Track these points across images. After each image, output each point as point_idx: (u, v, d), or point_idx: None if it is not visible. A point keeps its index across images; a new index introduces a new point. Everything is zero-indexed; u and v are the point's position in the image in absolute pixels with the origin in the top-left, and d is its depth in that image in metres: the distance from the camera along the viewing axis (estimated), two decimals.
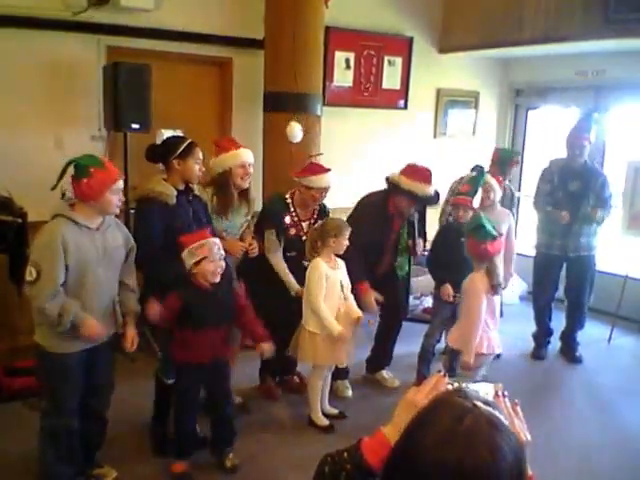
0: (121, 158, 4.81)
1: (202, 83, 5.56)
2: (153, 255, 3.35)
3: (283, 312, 4.03)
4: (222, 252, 3.29)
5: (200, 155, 3.60)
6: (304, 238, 4.13)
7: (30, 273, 2.83)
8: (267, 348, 3.45)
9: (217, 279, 3.26)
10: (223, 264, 3.29)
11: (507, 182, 5.23)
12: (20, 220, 4.13)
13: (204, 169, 3.67)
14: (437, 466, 1.03)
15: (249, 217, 4.12)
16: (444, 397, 1.17)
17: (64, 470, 3.11)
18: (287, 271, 4.12)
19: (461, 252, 4.01)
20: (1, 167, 4.41)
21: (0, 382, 4.17)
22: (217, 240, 3.31)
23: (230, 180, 3.86)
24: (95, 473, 3.33)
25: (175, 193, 3.48)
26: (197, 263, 3.23)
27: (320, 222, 4.02)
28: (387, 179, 4.29)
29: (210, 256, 3.21)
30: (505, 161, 5.16)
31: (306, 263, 3.98)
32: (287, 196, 4.22)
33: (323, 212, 4.31)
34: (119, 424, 3.62)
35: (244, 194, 4.00)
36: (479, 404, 1.10)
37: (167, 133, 4.82)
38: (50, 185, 2.93)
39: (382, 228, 4.30)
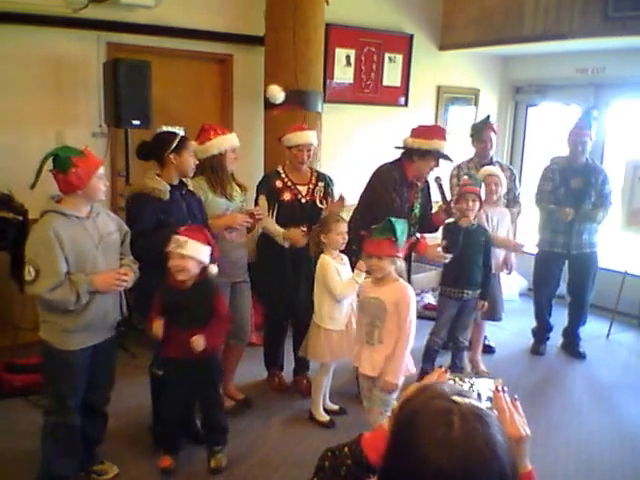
0: (122, 154, 4.83)
1: (203, 80, 5.56)
2: (146, 249, 3.33)
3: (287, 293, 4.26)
4: (189, 252, 3.16)
5: (193, 148, 3.62)
6: (304, 201, 4.22)
7: (29, 272, 2.82)
8: (197, 341, 3.21)
9: (180, 277, 3.20)
10: (189, 265, 3.18)
11: (492, 153, 5.12)
12: (21, 217, 4.15)
13: (197, 162, 3.69)
14: (444, 475, 1.03)
15: (246, 196, 4.15)
16: (420, 403, 1.14)
17: (65, 466, 3.11)
18: (272, 222, 4.16)
19: (467, 248, 4.15)
20: (2, 164, 4.43)
21: (1, 379, 4.17)
22: (189, 240, 3.17)
23: (224, 162, 3.90)
24: (96, 469, 3.33)
25: (168, 188, 3.48)
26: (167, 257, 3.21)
27: None
28: (402, 147, 4.18)
29: (173, 253, 3.17)
30: (479, 129, 5.12)
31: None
32: (278, 166, 4.33)
33: (322, 178, 4.36)
34: (120, 420, 3.64)
35: (232, 175, 4.06)
36: (457, 399, 1.10)
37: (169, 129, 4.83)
38: (52, 182, 2.92)
39: (400, 195, 4.13)
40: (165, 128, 4.71)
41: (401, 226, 3.29)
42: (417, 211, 4.29)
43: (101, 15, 4.77)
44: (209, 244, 3.25)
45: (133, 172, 4.77)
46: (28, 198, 4.10)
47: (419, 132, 4.15)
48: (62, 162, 2.86)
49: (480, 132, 5.07)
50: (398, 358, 3.30)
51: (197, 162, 3.66)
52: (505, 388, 1.33)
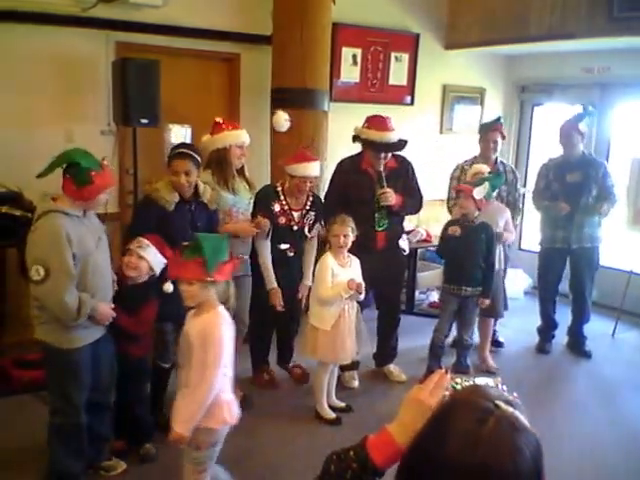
0: (130, 152, 4.86)
1: (210, 79, 5.59)
2: None
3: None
4: (147, 256, 3.29)
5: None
6: (295, 228, 4.20)
7: (37, 272, 2.79)
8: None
9: (129, 273, 3.30)
10: (141, 266, 3.29)
11: (497, 154, 5.09)
12: (30, 214, 4.16)
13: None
14: (458, 469, 1.04)
15: (254, 193, 4.19)
16: (464, 396, 1.17)
17: (73, 466, 3.13)
18: (268, 265, 4.15)
19: (465, 244, 4.22)
20: (12, 162, 4.45)
21: (10, 374, 4.21)
22: (151, 246, 3.30)
23: (228, 157, 3.96)
24: (104, 465, 3.35)
25: (176, 200, 3.55)
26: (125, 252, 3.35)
27: None
28: (353, 136, 4.32)
29: (133, 251, 3.29)
30: (485, 129, 5.14)
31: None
32: (277, 185, 4.27)
33: (316, 203, 4.33)
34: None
35: (241, 172, 4.11)
36: (500, 404, 1.10)
37: (176, 128, 4.89)
38: (60, 180, 2.93)
39: (355, 184, 4.30)
40: (172, 126, 4.78)
41: (211, 243, 2.67)
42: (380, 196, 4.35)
43: (110, 14, 4.81)
44: (165, 257, 3.34)
45: (141, 170, 4.80)
46: (37, 196, 4.14)
47: (365, 121, 4.32)
48: (81, 175, 2.84)
49: (485, 132, 5.09)
50: (193, 403, 2.62)
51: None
52: (505, 387, 1.33)
